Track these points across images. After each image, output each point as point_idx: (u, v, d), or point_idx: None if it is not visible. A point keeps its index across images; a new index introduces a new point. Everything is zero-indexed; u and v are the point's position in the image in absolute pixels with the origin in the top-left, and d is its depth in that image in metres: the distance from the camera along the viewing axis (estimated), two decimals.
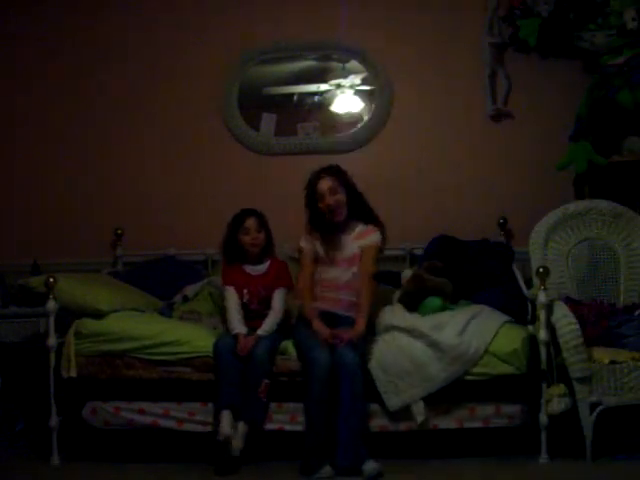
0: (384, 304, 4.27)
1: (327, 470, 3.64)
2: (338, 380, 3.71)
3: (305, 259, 4.09)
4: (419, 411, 3.79)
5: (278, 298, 4.12)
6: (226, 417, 3.76)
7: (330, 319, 3.97)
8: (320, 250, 4.08)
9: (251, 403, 3.82)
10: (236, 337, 3.93)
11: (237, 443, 3.74)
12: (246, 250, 4.17)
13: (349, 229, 4.11)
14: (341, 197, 4.04)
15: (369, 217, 4.13)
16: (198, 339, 3.98)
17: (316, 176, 4.09)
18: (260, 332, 3.97)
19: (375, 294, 4.05)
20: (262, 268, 4.19)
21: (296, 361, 3.91)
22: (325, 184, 4.04)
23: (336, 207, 4.03)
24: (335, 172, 4.09)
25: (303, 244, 4.10)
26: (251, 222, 4.16)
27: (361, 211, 4.12)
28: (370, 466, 3.60)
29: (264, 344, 3.91)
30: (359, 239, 4.08)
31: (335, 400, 3.70)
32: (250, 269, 4.18)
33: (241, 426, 3.77)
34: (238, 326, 4.00)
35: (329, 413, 3.71)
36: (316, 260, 4.09)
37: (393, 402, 3.81)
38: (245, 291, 4.12)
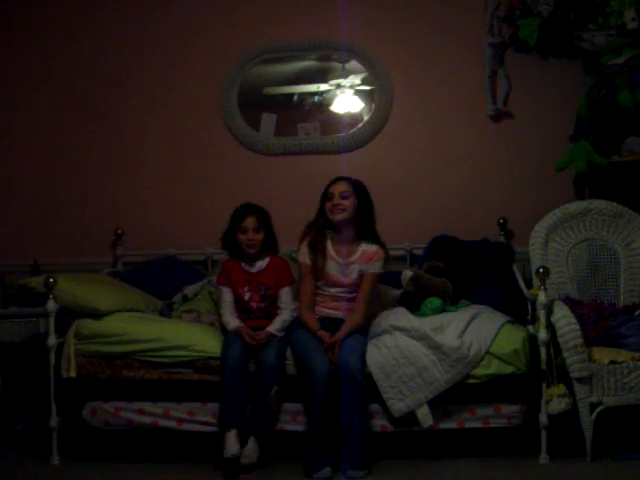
0: (383, 306, 4.27)
1: (327, 471, 3.66)
2: (342, 384, 3.70)
3: (305, 274, 4.05)
4: (424, 416, 3.78)
5: (285, 297, 4.09)
6: (233, 438, 3.72)
7: (331, 324, 3.97)
8: (319, 266, 4.02)
9: (260, 412, 3.80)
10: (239, 335, 3.91)
11: (249, 458, 3.71)
12: (242, 249, 4.13)
13: (350, 242, 4.06)
14: (349, 204, 4.00)
15: (373, 237, 4.07)
16: (200, 343, 3.95)
17: (335, 179, 4.09)
18: (271, 330, 3.94)
19: (367, 313, 4.04)
20: (261, 265, 4.13)
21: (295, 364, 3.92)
22: (339, 187, 4.03)
23: (341, 209, 3.99)
24: (355, 182, 4.07)
25: (303, 259, 4.06)
26: (249, 221, 4.09)
27: (367, 229, 4.06)
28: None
29: (274, 350, 3.88)
30: (362, 262, 4.03)
31: (337, 404, 3.71)
32: (248, 267, 4.14)
33: (252, 442, 3.75)
34: (237, 323, 3.99)
35: (332, 416, 3.71)
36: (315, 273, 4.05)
37: (398, 407, 3.79)
38: (246, 289, 4.09)
